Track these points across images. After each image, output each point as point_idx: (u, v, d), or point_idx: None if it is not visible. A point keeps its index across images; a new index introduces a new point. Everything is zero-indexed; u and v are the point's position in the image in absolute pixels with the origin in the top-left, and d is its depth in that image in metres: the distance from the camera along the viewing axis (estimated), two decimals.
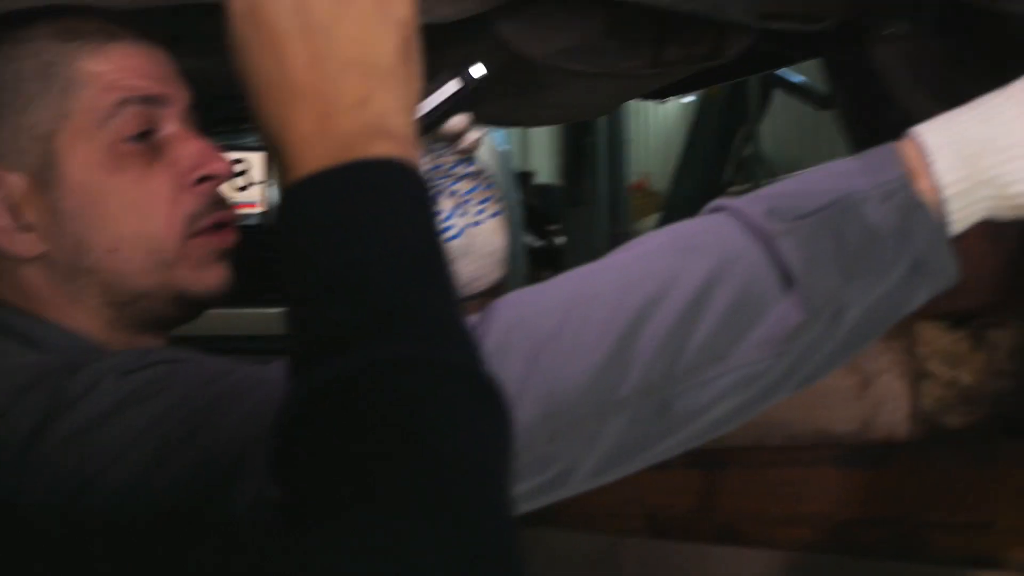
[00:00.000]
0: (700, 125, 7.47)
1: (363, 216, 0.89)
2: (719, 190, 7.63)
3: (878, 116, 2.13)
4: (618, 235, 6.99)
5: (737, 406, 1.12)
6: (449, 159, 1.77)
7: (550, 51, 2.29)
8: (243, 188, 4.00)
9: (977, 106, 1.18)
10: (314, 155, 0.90)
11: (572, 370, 1.08)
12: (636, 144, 10.30)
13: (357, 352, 0.82)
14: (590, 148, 7.53)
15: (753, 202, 1.15)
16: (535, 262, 8.26)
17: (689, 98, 8.41)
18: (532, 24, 2.27)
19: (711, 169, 7.46)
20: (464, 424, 0.81)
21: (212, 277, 1.34)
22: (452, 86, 1.66)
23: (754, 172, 7.91)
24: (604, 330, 1.09)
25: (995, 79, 2.10)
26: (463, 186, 1.79)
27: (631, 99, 2.83)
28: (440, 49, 2.12)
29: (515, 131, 11.26)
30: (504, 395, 0.85)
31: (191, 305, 1.34)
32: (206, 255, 1.34)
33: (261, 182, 4.02)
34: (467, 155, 1.77)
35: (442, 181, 1.78)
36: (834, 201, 1.14)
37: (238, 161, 3.96)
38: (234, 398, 1.07)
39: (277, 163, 0.93)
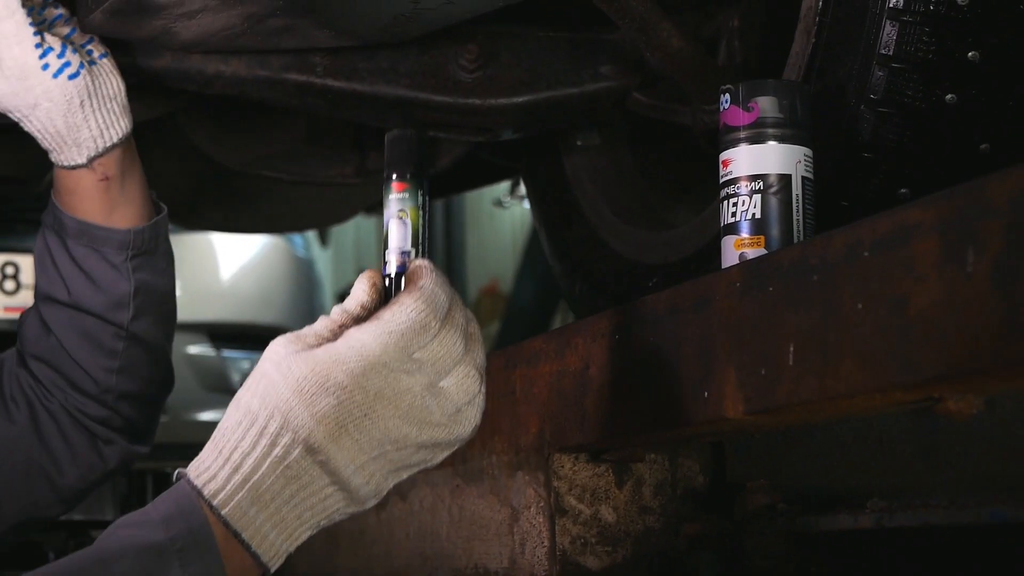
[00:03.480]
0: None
1: None
2: (559, 297, 7.53)
3: (570, 227, 2.04)
4: None
5: None
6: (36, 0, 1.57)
7: (247, 158, 2.19)
8: (13, 291, 3.83)
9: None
10: None
11: None
12: (488, 247, 10.23)
13: None
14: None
15: None
16: None
17: None
18: (225, 131, 2.17)
19: (551, 275, 7.34)
20: None
21: None
22: None
23: None
24: None
25: (681, 191, 2.03)
26: (63, 29, 1.58)
27: (361, 207, 2.74)
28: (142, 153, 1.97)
29: (363, 230, 11.06)
30: None
31: None
32: None
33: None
34: None
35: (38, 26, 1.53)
36: None
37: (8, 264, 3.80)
38: None
39: None
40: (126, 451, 1.64)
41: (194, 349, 4.02)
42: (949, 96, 1.40)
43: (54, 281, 1.62)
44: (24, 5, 1.49)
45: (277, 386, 1.14)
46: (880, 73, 1.41)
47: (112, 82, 1.58)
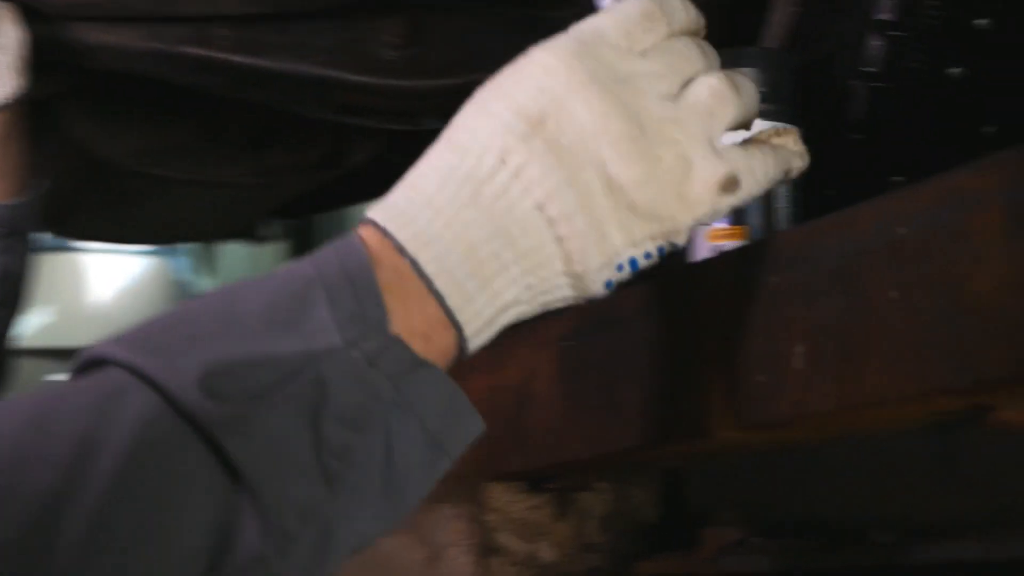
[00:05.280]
0: None
1: None
2: None
3: None
4: None
5: None
6: None
7: (130, 151, 1.95)
8: None
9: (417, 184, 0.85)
10: None
11: None
12: None
13: None
14: None
15: (170, 359, 0.76)
16: None
17: None
18: (108, 121, 1.93)
19: None
20: None
21: None
22: None
23: None
24: None
25: None
26: None
27: (264, 213, 2.50)
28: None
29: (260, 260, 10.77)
30: None
31: None
32: None
33: None
34: None
35: None
36: (300, 368, 0.77)
37: None
38: None
39: None
40: None
41: (59, 378, 3.77)
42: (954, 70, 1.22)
43: None
44: None
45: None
46: (877, 42, 1.22)
47: (6, 31, 1.34)
